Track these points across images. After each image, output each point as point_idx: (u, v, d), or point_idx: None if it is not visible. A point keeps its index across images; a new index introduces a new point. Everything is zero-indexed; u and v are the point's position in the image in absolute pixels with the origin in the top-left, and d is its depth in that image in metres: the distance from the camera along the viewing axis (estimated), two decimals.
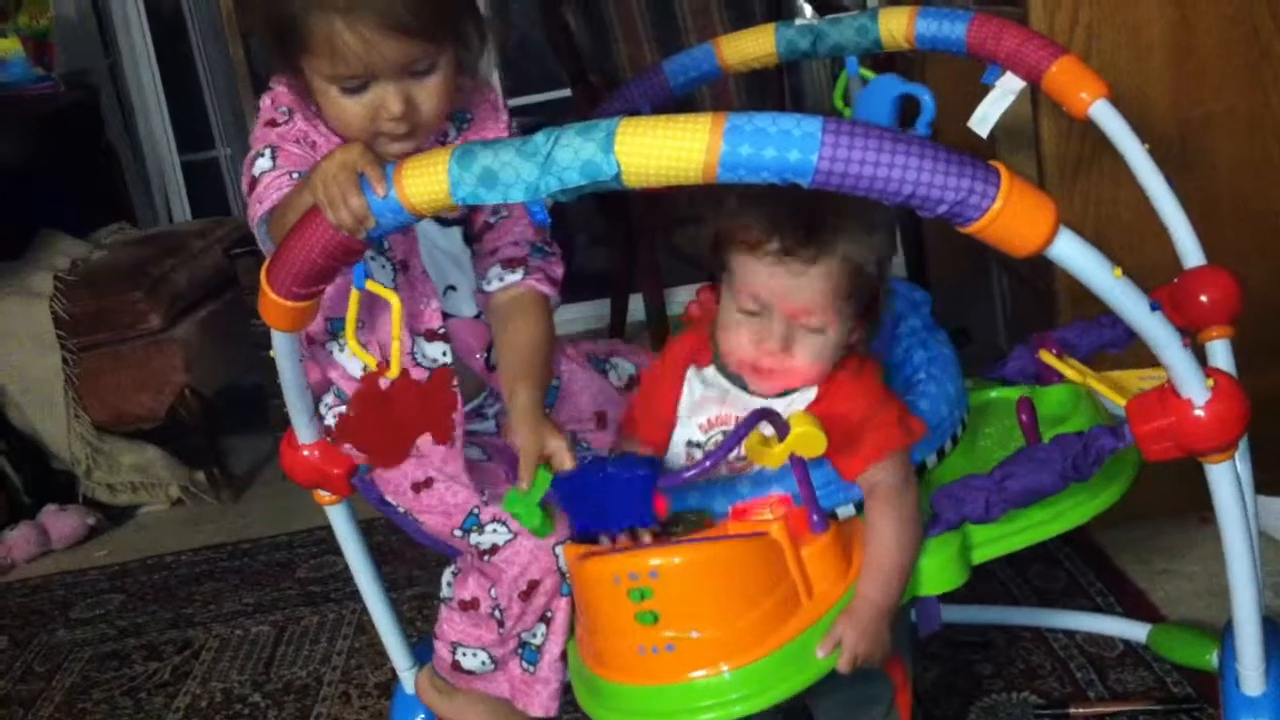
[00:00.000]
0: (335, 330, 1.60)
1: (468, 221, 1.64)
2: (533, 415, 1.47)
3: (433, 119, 1.50)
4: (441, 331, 1.60)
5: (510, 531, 1.58)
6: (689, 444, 1.52)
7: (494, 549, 1.59)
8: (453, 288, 1.64)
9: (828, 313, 1.42)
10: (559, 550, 1.56)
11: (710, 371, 1.53)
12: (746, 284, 1.44)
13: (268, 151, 1.50)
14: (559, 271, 1.65)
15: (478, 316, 1.66)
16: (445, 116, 1.54)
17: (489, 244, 1.64)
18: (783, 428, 1.35)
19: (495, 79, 4.38)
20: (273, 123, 1.54)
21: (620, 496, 1.36)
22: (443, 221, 1.61)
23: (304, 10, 1.41)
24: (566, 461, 1.42)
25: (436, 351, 1.60)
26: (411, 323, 1.58)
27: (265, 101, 1.56)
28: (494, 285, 1.63)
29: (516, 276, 1.62)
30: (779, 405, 1.45)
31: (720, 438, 1.49)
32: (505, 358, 1.59)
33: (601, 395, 1.73)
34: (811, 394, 1.47)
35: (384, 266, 1.56)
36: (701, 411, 1.52)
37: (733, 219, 1.43)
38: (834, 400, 1.45)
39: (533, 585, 1.59)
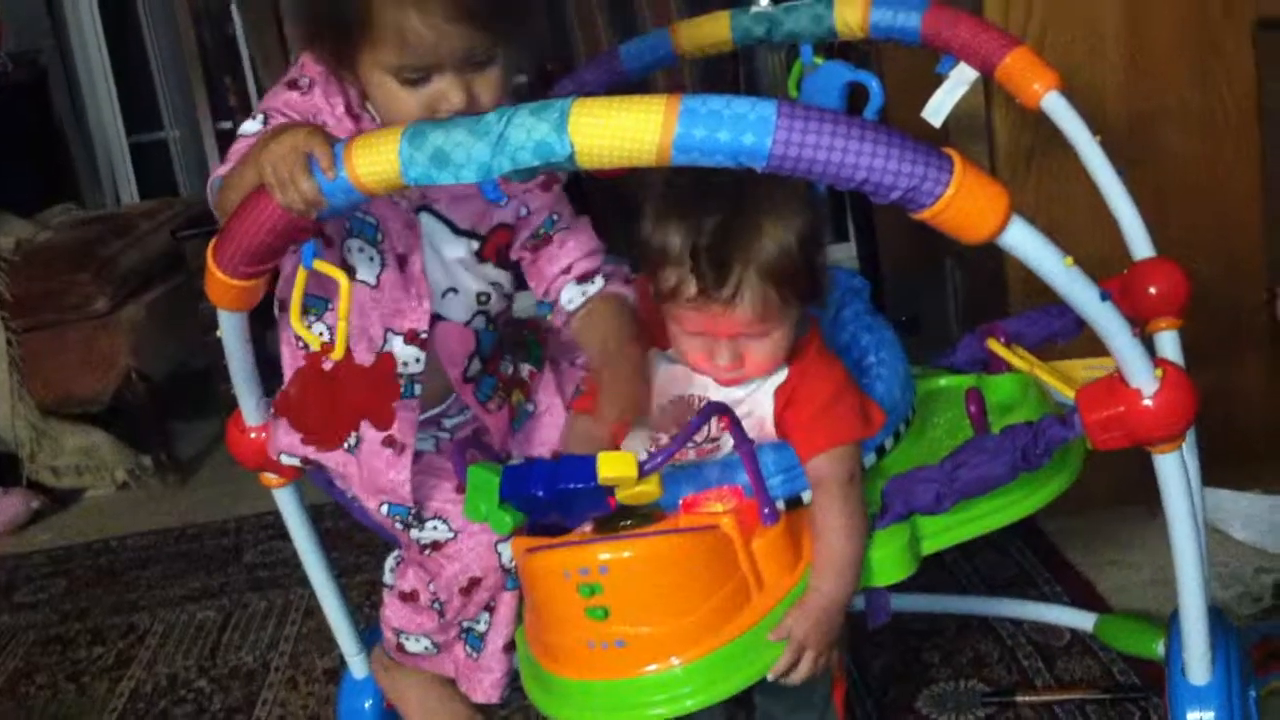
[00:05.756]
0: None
1: (487, 238, 1.57)
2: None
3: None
4: (423, 337, 1.52)
5: (452, 530, 1.56)
6: None
7: (435, 545, 1.57)
8: (454, 290, 1.57)
9: (768, 322, 1.42)
10: (502, 548, 1.54)
11: (675, 351, 1.52)
12: (680, 320, 1.44)
13: (260, 117, 1.44)
14: (627, 268, 1.63)
15: (468, 323, 1.59)
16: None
17: (559, 262, 1.61)
18: (736, 424, 1.35)
19: None
20: (293, 84, 1.47)
21: (571, 469, 1.32)
22: (454, 230, 1.55)
23: (374, 1, 1.35)
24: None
25: (409, 356, 1.52)
26: (393, 319, 1.51)
27: (298, 59, 1.49)
28: (576, 303, 1.59)
29: (596, 287, 1.60)
30: (750, 388, 1.46)
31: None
32: (592, 355, 1.56)
33: None
34: (781, 376, 1.47)
35: (371, 259, 1.50)
36: (667, 392, 1.51)
37: (647, 256, 1.42)
38: (803, 382, 1.46)
39: (474, 582, 1.56)
